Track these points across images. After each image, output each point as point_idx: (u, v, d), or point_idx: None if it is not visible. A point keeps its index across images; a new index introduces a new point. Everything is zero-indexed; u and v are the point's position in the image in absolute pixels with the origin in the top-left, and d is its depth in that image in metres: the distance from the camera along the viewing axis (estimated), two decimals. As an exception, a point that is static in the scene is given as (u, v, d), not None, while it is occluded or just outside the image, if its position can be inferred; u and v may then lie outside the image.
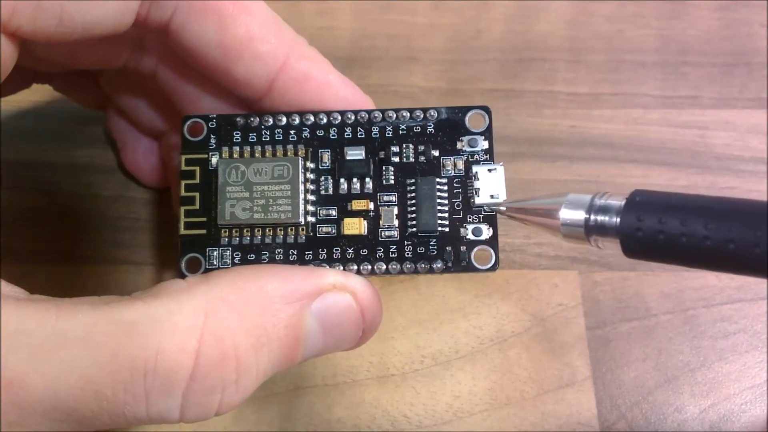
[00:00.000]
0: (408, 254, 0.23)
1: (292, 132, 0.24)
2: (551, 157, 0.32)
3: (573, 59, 0.34)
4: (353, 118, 0.24)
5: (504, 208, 0.22)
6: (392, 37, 0.35)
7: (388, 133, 0.24)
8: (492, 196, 0.23)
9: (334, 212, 0.23)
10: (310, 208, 0.23)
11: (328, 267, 0.23)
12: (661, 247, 0.17)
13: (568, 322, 0.29)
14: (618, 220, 0.18)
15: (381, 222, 0.23)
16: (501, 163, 0.23)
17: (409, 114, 0.24)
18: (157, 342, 0.18)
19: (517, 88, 0.34)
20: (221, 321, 0.19)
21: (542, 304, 0.30)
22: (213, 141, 0.24)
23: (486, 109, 0.24)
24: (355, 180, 0.23)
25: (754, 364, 0.29)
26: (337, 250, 0.23)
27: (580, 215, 0.18)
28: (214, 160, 0.24)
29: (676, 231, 0.16)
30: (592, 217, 0.18)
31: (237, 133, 0.24)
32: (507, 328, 0.29)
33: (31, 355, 0.17)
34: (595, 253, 0.30)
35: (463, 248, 0.23)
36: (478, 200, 0.23)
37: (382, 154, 0.24)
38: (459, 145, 0.24)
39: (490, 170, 0.23)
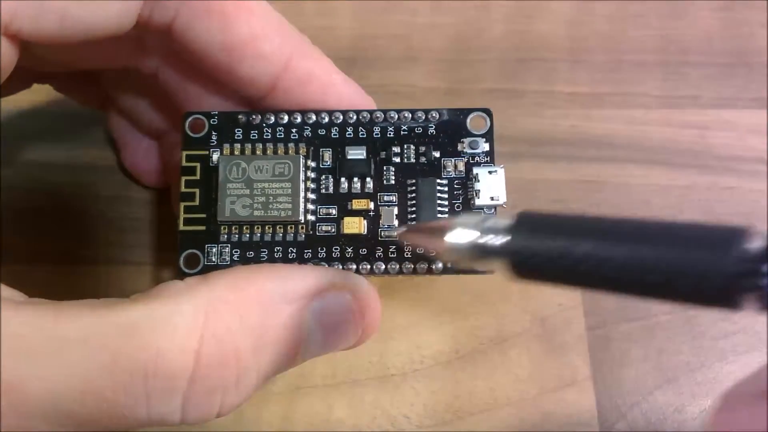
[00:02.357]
0: (407, 254, 0.23)
1: (293, 130, 0.24)
2: (551, 157, 0.32)
3: (573, 59, 0.34)
4: (355, 117, 0.24)
5: (396, 234, 0.22)
6: (392, 37, 0.35)
7: (390, 134, 0.24)
8: (492, 198, 0.23)
9: (334, 211, 0.23)
10: (311, 206, 0.23)
11: (327, 266, 0.23)
12: (548, 272, 0.17)
13: (568, 322, 0.29)
14: (504, 242, 0.17)
15: (381, 222, 0.23)
16: (501, 166, 0.23)
17: (410, 115, 0.24)
18: (157, 343, 0.18)
19: (517, 88, 0.34)
20: (221, 322, 0.19)
21: (542, 304, 0.30)
22: (214, 138, 0.24)
23: (487, 112, 0.24)
24: (355, 179, 0.23)
25: (754, 364, 0.29)
26: (337, 249, 0.23)
27: (467, 238, 0.18)
28: (215, 156, 0.24)
29: (562, 256, 0.16)
30: (480, 241, 0.18)
31: (238, 131, 0.24)
32: (507, 328, 0.29)
33: (31, 358, 0.17)
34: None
35: (463, 249, 0.23)
36: (478, 201, 0.23)
37: (383, 154, 0.24)
38: (460, 147, 0.24)
39: (490, 172, 0.23)
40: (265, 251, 0.23)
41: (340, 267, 0.23)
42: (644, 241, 0.15)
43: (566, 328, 0.29)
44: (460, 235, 0.18)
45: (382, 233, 0.23)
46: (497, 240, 0.17)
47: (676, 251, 0.14)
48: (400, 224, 0.23)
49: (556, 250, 0.16)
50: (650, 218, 0.16)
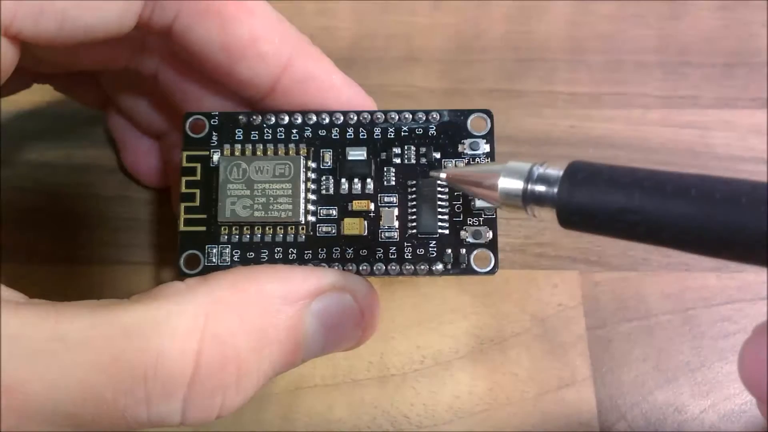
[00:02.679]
0: (408, 256, 0.23)
1: (294, 131, 0.24)
2: (551, 158, 0.32)
3: (573, 59, 0.34)
4: (355, 118, 0.24)
5: (444, 175, 0.21)
6: (392, 37, 0.35)
7: (390, 135, 0.24)
8: None
9: (334, 212, 0.23)
10: (311, 207, 0.23)
11: (327, 267, 0.23)
12: (596, 222, 0.17)
13: (568, 322, 0.29)
14: (555, 191, 0.17)
15: (381, 223, 0.23)
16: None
17: (411, 116, 0.24)
18: (157, 345, 0.18)
19: (517, 88, 0.34)
20: (221, 323, 0.19)
21: (542, 304, 0.30)
22: (215, 138, 0.24)
23: (488, 113, 0.24)
24: (356, 180, 0.23)
25: (754, 364, 0.29)
26: (337, 250, 0.23)
27: (518, 184, 0.18)
28: (216, 157, 0.24)
29: (611, 206, 0.16)
30: (530, 186, 0.18)
31: (239, 131, 0.24)
32: (507, 328, 0.29)
33: (31, 360, 0.17)
34: (595, 252, 0.30)
35: (462, 251, 0.23)
36: (478, 203, 0.23)
37: (383, 155, 0.24)
38: (460, 148, 0.24)
39: None
40: (265, 252, 0.23)
41: (341, 268, 0.23)
42: (706, 197, 0.15)
43: (566, 328, 0.29)
44: (511, 182, 0.18)
45: (383, 234, 0.23)
46: (547, 188, 0.17)
47: (739, 209, 0.15)
48: (443, 170, 0.22)
49: (607, 202, 0.16)
50: (707, 174, 0.16)
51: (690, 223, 0.15)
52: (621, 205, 0.16)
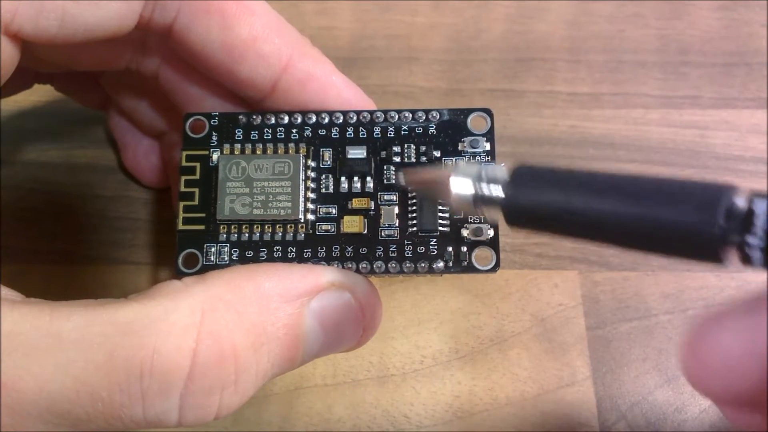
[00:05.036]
0: (408, 254, 0.23)
1: (293, 131, 0.24)
2: (551, 157, 0.32)
3: (573, 59, 0.34)
4: (355, 118, 0.24)
5: (402, 175, 0.22)
6: (392, 37, 0.35)
7: (390, 134, 0.24)
8: None
9: (334, 210, 0.23)
10: (310, 205, 0.23)
11: (326, 265, 0.23)
12: (539, 221, 0.18)
13: (568, 322, 0.29)
14: (502, 190, 0.18)
15: (381, 221, 0.23)
16: (502, 164, 0.23)
17: (411, 115, 0.24)
18: (153, 342, 0.18)
19: (517, 88, 0.34)
20: (219, 320, 0.19)
21: (542, 304, 0.30)
22: (215, 138, 0.24)
23: (488, 112, 0.24)
24: (355, 179, 0.23)
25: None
26: (336, 248, 0.23)
27: (468, 184, 0.19)
28: (215, 156, 0.24)
29: (551, 206, 0.17)
30: (479, 186, 0.19)
31: (239, 131, 0.24)
32: (507, 328, 0.29)
33: (26, 357, 0.17)
34: (595, 252, 0.30)
35: (463, 249, 0.23)
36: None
37: (383, 154, 0.24)
38: (461, 146, 0.24)
39: None
40: (264, 251, 0.23)
41: (340, 266, 0.23)
42: (635, 196, 0.16)
43: (566, 328, 0.29)
44: (462, 182, 0.19)
45: (383, 232, 0.23)
46: (495, 189, 0.18)
47: (664, 207, 0.15)
48: (400, 170, 0.23)
49: (550, 202, 0.17)
50: (642, 174, 0.16)
51: (621, 220, 0.16)
52: (560, 205, 0.17)
